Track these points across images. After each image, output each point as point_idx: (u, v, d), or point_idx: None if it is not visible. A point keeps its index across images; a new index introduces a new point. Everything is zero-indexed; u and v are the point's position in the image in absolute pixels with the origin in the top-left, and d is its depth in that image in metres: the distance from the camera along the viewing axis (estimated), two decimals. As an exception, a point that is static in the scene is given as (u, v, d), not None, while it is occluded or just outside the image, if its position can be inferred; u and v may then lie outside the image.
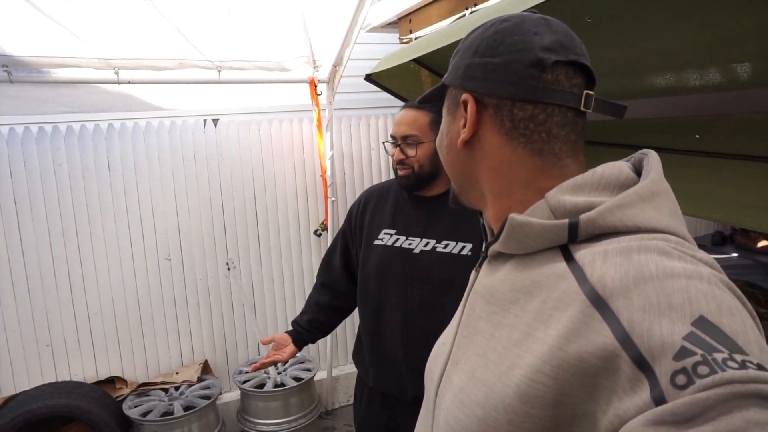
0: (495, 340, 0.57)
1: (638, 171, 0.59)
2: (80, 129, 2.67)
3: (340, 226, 1.74)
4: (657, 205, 0.53)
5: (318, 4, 2.47)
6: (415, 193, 1.53)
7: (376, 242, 1.55)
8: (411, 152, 1.46)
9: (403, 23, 3.18)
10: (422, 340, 1.44)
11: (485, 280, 0.65)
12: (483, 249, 0.69)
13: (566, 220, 0.54)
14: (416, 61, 2.29)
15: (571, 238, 0.54)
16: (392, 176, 1.59)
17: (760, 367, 0.39)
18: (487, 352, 0.58)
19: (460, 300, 1.45)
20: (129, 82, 2.46)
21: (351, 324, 3.32)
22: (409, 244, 1.50)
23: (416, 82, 2.45)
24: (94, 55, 2.33)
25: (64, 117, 2.70)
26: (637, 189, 0.53)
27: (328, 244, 2.12)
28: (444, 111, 0.70)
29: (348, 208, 1.84)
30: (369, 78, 2.35)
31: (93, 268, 2.74)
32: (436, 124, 1.50)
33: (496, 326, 0.58)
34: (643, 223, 0.52)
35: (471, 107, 0.63)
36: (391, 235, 1.53)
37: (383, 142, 1.56)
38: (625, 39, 1.34)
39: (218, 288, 3.01)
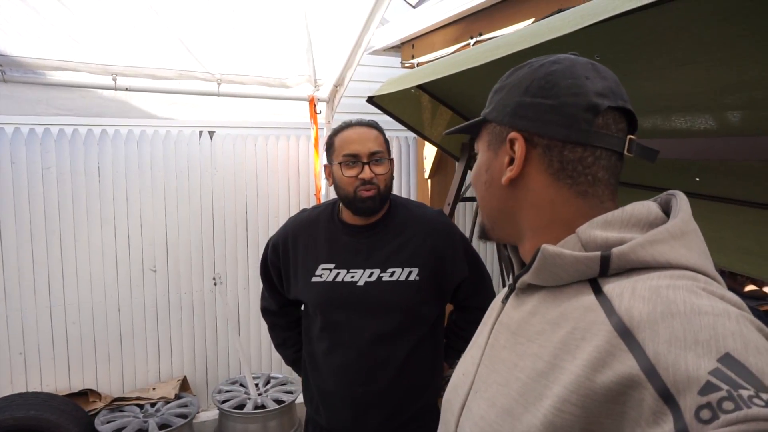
0: (518, 370, 0.58)
1: (665, 211, 0.60)
2: (72, 133, 2.62)
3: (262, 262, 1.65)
4: (687, 244, 0.54)
5: (323, 23, 2.47)
6: (353, 222, 1.45)
7: (315, 279, 1.44)
8: (381, 169, 1.39)
9: (406, 48, 3.20)
10: (379, 373, 1.40)
11: (513, 313, 0.65)
12: (511, 281, 0.69)
13: (598, 253, 0.54)
14: (418, 86, 2.29)
15: (602, 271, 0.54)
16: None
17: None
18: (509, 380, 0.58)
19: (411, 326, 1.42)
20: (126, 89, 2.42)
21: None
22: (351, 277, 1.41)
23: (416, 107, 2.44)
24: (92, 60, 2.30)
25: (57, 120, 2.64)
26: (668, 227, 0.54)
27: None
28: (482, 146, 0.70)
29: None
30: (371, 100, 2.34)
31: (74, 275, 2.66)
32: (387, 143, 1.46)
33: (521, 356, 0.59)
34: (675, 260, 0.52)
35: (520, 146, 0.63)
36: (330, 270, 1.43)
37: (333, 164, 1.45)
38: (633, 79, 1.34)
39: (203, 303, 2.94)
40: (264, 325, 3.06)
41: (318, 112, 2.86)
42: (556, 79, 0.61)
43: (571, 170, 0.61)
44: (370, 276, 1.40)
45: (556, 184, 0.62)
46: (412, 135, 3.40)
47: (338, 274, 1.42)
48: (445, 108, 2.41)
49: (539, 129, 0.62)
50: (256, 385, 2.83)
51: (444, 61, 1.98)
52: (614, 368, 0.46)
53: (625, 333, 0.47)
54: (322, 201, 2.95)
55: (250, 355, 3.08)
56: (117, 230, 2.73)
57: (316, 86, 2.80)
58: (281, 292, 1.60)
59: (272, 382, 2.92)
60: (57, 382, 2.66)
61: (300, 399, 2.99)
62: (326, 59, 2.68)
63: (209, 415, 2.93)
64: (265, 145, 3.04)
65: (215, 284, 2.82)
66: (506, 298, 0.69)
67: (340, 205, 1.48)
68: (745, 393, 0.39)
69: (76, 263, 2.66)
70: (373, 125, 1.45)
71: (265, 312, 1.71)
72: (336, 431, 1.47)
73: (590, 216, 0.60)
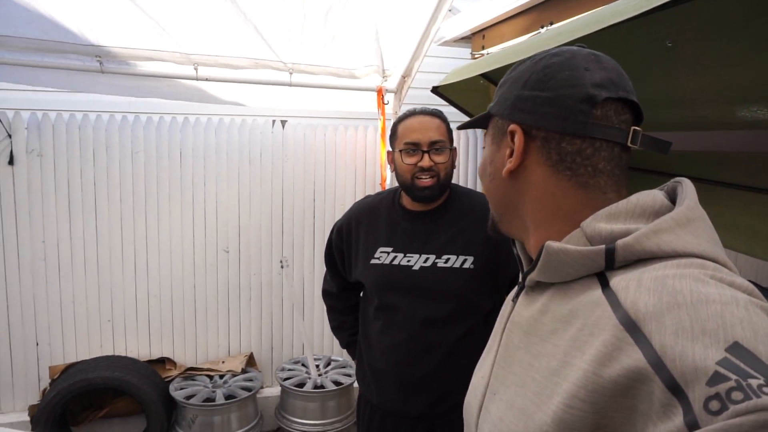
0: (534, 370, 0.57)
1: (672, 199, 0.59)
2: (159, 120, 2.83)
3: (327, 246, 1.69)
4: (694, 231, 0.53)
5: (392, 14, 2.49)
6: (413, 208, 1.49)
7: (373, 261, 1.50)
8: (441, 158, 1.42)
9: (476, 38, 3.16)
10: (427, 357, 1.43)
11: (524, 311, 0.65)
12: (520, 279, 0.69)
13: (603, 246, 0.54)
14: (485, 76, 2.26)
15: (608, 265, 0.54)
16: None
17: None
18: (526, 381, 0.58)
19: (463, 314, 1.41)
20: (207, 80, 2.58)
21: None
22: (408, 261, 1.45)
23: (484, 98, 2.41)
24: (177, 49, 2.47)
25: (145, 107, 2.88)
26: (673, 215, 0.53)
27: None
28: (488, 139, 0.72)
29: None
30: (435, 90, 2.34)
31: (157, 254, 2.88)
32: (450, 133, 1.47)
33: (535, 356, 0.58)
34: (681, 248, 0.52)
35: (519, 138, 0.64)
36: (388, 253, 1.48)
37: (395, 151, 1.47)
38: (708, 67, 1.26)
39: (271, 285, 3.09)
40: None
41: (386, 102, 2.90)
42: (554, 71, 0.61)
43: (570, 162, 0.61)
44: (425, 261, 1.44)
45: (555, 176, 0.62)
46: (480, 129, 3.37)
47: (395, 257, 1.47)
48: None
49: (536, 121, 0.62)
50: (317, 366, 2.94)
51: (509, 49, 1.95)
52: (621, 362, 0.46)
53: (631, 326, 0.47)
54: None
55: (312, 337, 3.20)
56: (195, 213, 2.93)
57: (384, 77, 2.84)
58: (342, 275, 1.66)
59: (332, 364, 3.02)
60: (139, 349, 2.90)
61: (358, 383, 3.08)
62: (394, 50, 2.70)
63: (272, 391, 3.08)
64: (334, 134, 3.13)
65: (282, 267, 2.95)
66: (516, 296, 0.69)
67: (401, 191, 1.52)
68: (754, 382, 0.39)
69: (159, 242, 2.88)
70: (437, 114, 1.48)
71: (326, 294, 1.78)
72: (386, 409, 1.52)
73: (592, 207, 0.59)
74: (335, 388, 2.74)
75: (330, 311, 1.79)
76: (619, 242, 0.53)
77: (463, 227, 1.45)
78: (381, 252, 1.49)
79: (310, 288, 3.17)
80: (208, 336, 3.02)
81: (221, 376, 2.83)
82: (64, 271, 2.75)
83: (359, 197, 3.15)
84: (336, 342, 3.18)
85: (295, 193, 3.09)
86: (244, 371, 2.89)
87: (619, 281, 0.52)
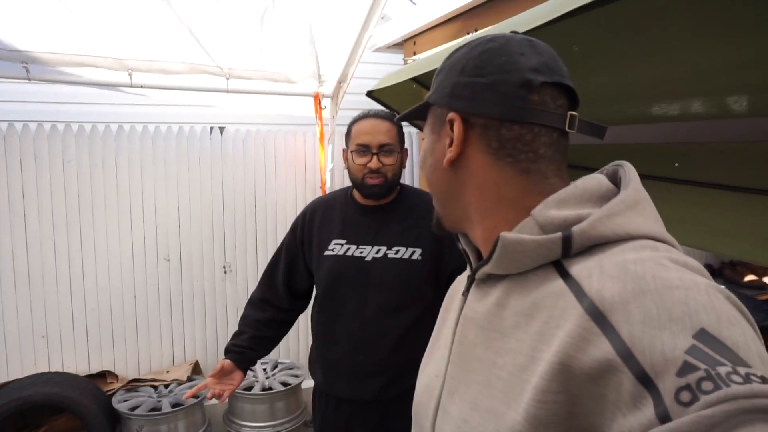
0: (498, 368, 0.56)
1: (613, 182, 0.60)
2: (91, 128, 2.78)
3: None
4: (641, 212, 0.55)
5: (326, 20, 2.58)
6: (365, 203, 1.58)
7: (327, 253, 1.57)
8: (389, 161, 1.52)
9: (408, 45, 3.30)
10: (379, 344, 1.52)
11: (477, 306, 0.63)
12: (469, 272, 0.68)
13: (559, 234, 0.53)
14: (417, 81, 2.39)
15: (564, 252, 0.54)
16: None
17: (764, 380, 0.39)
18: (491, 380, 0.57)
19: (412, 302, 1.51)
20: (141, 86, 2.56)
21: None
22: (360, 252, 1.54)
23: (417, 101, 2.54)
24: (109, 54, 2.43)
25: (77, 117, 2.81)
26: (623, 198, 0.54)
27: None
28: (427, 130, 0.70)
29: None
30: (370, 94, 2.45)
31: (93, 264, 2.82)
32: (400, 136, 1.58)
33: (498, 353, 0.57)
34: (634, 231, 0.53)
35: (458, 126, 0.62)
36: (342, 245, 1.56)
37: (348, 150, 1.58)
38: (612, 67, 1.43)
39: (214, 291, 3.08)
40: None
41: (323, 107, 2.98)
42: (490, 57, 0.61)
43: (511, 148, 0.60)
44: (377, 252, 1.53)
45: (497, 163, 0.61)
46: (414, 129, 3.51)
47: (348, 249, 1.55)
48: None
49: (474, 108, 0.61)
50: (264, 369, 2.96)
51: (438, 54, 2.08)
52: (590, 353, 0.46)
53: (598, 316, 0.47)
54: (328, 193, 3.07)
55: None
56: (133, 221, 2.88)
57: (320, 82, 2.92)
58: (278, 281, 1.69)
59: (279, 366, 3.05)
60: (77, 363, 2.81)
61: (306, 384, 3.12)
62: (330, 55, 2.79)
63: (220, 397, 3.06)
64: (273, 140, 3.17)
65: (225, 273, 2.95)
66: (467, 290, 0.67)
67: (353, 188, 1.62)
68: (723, 370, 0.39)
69: (95, 252, 2.82)
70: (388, 117, 1.57)
71: (250, 301, 1.75)
72: (341, 397, 1.59)
73: (536, 193, 0.59)
74: (283, 388, 2.77)
75: (243, 318, 1.73)
76: (575, 229, 0.53)
77: (413, 222, 1.56)
78: (335, 244, 1.57)
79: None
80: (150, 346, 2.97)
81: (166, 386, 2.80)
82: (-8, 287, 2.63)
83: (299, 200, 3.22)
84: (282, 344, 3.21)
85: (236, 199, 3.10)
86: (189, 379, 2.86)
87: (580, 270, 0.52)
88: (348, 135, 1.59)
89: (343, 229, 1.58)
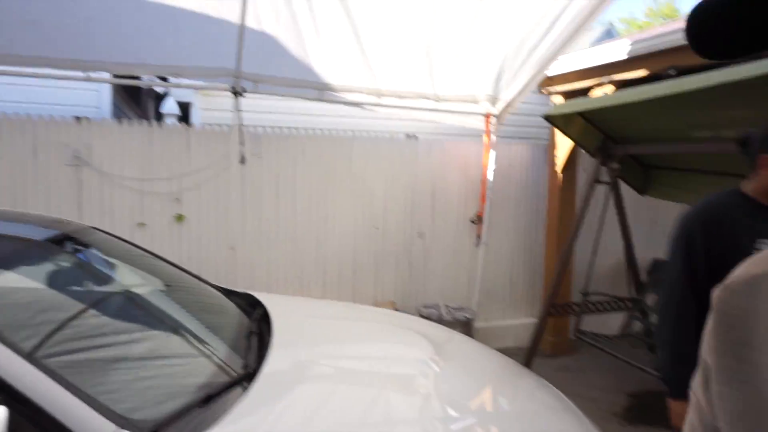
0: None
1: None
2: (334, 134, 4.05)
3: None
4: None
5: (511, 59, 3.73)
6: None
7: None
8: None
9: (547, 79, 4.46)
10: None
11: None
12: None
13: None
14: (582, 115, 3.47)
15: None
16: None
17: None
18: None
19: None
20: (384, 106, 3.80)
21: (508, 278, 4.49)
22: None
23: (582, 130, 3.63)
24: (365, 85, 3.68)
25: (329, 125, 4.10)
26: None
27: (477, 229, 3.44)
28: None
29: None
30: (547, 117, 3.59)
31: (334, 230, 4.08)
32: None
33: None
34: None
35: None
36: (766, 243, 1.55)
37: (764, 156, 1.60)
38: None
39: (408, 251, 4.30)
40: (441, 264, 4.37)
41: (492, 124, 4.15)
42: None
43: None
44: None
45: None
46: (543, 142, 4.68)
47: None
48: (592, 126, 3.61)
49: None
50: (447, 306, 4.12)
51: (602, 98, 3.23)
52: None
53: None
54: (487, 194, 4.23)
55: (444, 287, 4.40)
56: (356, 201, 4.13)
57: (494, 104, 4.08)
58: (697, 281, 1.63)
59: (455, 304, 4.19)
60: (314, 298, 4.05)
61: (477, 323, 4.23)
62: (504, 85, 3.94)
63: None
64: (449, 146, 4.37)
65: (419, 237, 4.14)
66: None
67: (743, 190, 1.65)
68: None
69: (333, 221, 4.06)
70: None
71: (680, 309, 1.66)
72: None
73: None
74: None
75: (675, 323, 1.66)
76: None
77: None
78: (761, 243, 1.56)
79: (437, 250, 4.38)
80: (363, 289, 4.18)
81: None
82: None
83: (466, 192, 4.39)
84: (448, 291, 4.39)
85: (423, 187, 4.31)
86: (394, 312, 4.03)
87: None
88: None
89: (760, 229, 1.58)
